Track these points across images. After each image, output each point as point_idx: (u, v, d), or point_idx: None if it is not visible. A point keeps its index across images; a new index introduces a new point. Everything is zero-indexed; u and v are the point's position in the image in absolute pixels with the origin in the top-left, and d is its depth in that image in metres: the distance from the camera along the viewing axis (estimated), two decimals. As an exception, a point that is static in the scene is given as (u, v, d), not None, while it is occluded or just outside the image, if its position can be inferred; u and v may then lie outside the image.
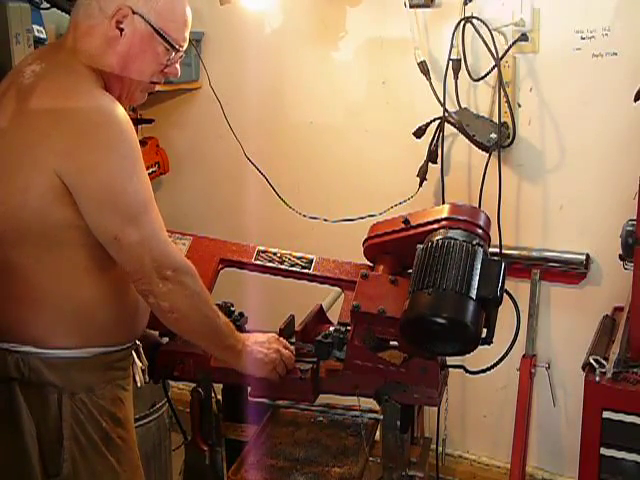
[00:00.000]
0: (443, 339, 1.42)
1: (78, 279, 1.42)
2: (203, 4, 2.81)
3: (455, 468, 2.77)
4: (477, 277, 1.44)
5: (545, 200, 2.43)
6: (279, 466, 1.69)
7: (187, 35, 1.50)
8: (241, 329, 1.70)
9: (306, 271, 1.78)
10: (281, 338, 1.67)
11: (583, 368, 1.94)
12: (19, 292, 1.41)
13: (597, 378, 1.88)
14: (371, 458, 1.73)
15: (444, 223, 1.58)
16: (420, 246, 1.53)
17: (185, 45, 1.50)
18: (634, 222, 1.92)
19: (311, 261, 1.79)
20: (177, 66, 1.51)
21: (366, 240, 1.74)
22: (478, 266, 1.46)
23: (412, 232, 1.64)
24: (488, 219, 1.65)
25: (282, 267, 1.79)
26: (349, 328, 1.62)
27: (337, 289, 1.86)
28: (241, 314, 1.78)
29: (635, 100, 1.99)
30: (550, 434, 2.59)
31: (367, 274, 1.62)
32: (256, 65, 2.76)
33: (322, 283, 1.80)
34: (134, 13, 1.40)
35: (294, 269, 1.78)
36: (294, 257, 1.80)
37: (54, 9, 2.08)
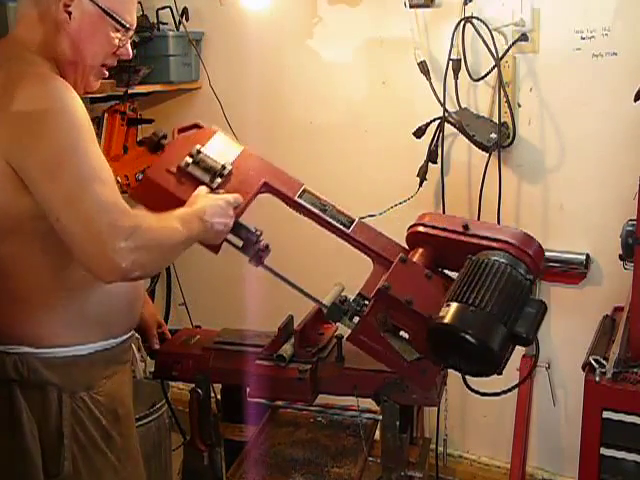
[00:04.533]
0: (466, 357, 1.40)
1: (61, 271, 1.38)
2: (203, 4, 2.81)
3: (455, 468, 2.76)
4: (520, 313, 1.42)
5: (545, 200, 2.43)
6: (278, 466, 1.69)
7: (135, 14, 1.48)
8: (261, 260, 1.63)
9: (344, 229, 1.67)
10: (229, 196, 1.57)
11: (583, 368, 1.94)
12: (7, 290, 1.39)
13: (597, 378, 1.88)
14: (370, 458, 1.73)
15: (506, 247, 1.51)
16: (473, 257, 1.48)
17: (134, 24, 1.48)
18: (634, 222, 1.92)
19: (352, 221, 1.68)
20: (128, 47, 1.49)
21: (414, 225, 1.66)
22: (525, 303, 1.44)
23: (468, 239, 1.56)
24: (543, 259, 1.60)
25: (322, 216, 1.67)
26: (367, 303, 1.56)
27: (337, 287, 1.85)
28: (267, 246, 1.65)
29: (635, 100, 1.98)
30: (550, 434, 2.59)
31: (406, 259, 1.56)
32: (256, 65, 2.76)
33: (354, 247, 1.69)
34: None
35: (333, 222, 1.67)
36: (338, 210, 1.69)
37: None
